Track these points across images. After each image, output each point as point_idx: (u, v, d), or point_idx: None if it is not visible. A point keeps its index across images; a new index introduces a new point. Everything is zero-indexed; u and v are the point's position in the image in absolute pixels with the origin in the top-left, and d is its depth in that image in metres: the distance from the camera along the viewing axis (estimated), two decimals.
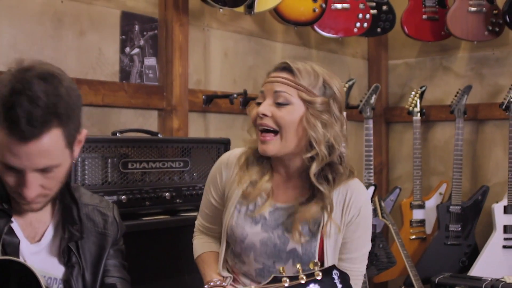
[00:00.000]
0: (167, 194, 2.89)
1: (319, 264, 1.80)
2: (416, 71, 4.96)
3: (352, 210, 2.11)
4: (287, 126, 2.03)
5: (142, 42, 3.47)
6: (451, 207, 4.29)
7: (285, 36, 4.34)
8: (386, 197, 4.37)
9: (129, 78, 3.41)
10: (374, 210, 4.11)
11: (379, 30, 4.42)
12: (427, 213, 4.46)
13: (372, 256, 4.14)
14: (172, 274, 2.85)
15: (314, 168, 2.05)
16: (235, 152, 2.27)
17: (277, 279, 1.79)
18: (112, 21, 3.35)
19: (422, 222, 4.46)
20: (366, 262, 2.21)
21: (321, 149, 2.03)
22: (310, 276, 1.78)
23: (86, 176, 2.65)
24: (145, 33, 3.48)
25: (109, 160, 2.73)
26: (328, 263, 2.07)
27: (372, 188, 4.04)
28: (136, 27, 3.44)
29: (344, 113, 2.15)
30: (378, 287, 4.77)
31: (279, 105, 2.04)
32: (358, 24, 4.27)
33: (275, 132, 2.05)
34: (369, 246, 2.21)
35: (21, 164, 1.63)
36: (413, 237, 4.44)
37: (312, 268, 1.79)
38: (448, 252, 4.27)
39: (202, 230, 2.39)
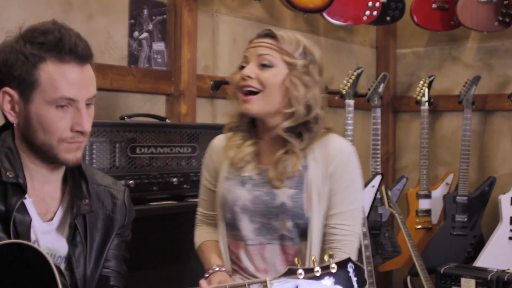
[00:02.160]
0: (174, 179, 2.88)
1: (334, 256, 1.79)
2: (425, 60, 4.94)
3: (336, 160, 2.18)
4: (271, 87, 2.13)
5: (150, 27, 3.45)
6: (457, 197, 4.27)
7: (294, 23, 4.32)
8: (393, 186, 4.36)
9: (138, 63, 3.39)
10: (381, 199, 4.10)
11: (388, 18, 4.39)
12: (433, 203, 4.45)
13: (377, 245, 4.13)
14: (178, 259, 2.85)
15: (286, 123, 2.15)
16: (221, 136, 2.38)
17: (292, 271, 1.79)
18: (121, 5, 3.33)
19: (428, 212, 4.45)
20: (357, 222, 2.23)
21: (299, 108, 2.13)
22: (325, 269, 1.78)
23: (94, 160, 2.63)
24: (154, 17, 3.46)
25: (117, 145, 2.72)
26: (312, 215, 2.14)
27: (379, 177, 4.02)
28: (145, 12, 3.42)
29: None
30: (383, 276, 4.77)
31: (263, 66, 2.14)
32: (367, 12, 4.24)
33: (258, 93, 2.14)
34: (358, 203, 2.24)
35: (78, 92, 1.74)
36: (419, 226, 4.43)
37: (327, 260, 1.79)
38: (453, 243, 4.26)
39: (202, 219, 2.43)
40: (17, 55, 1.72)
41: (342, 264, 1.80)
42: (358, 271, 1.82)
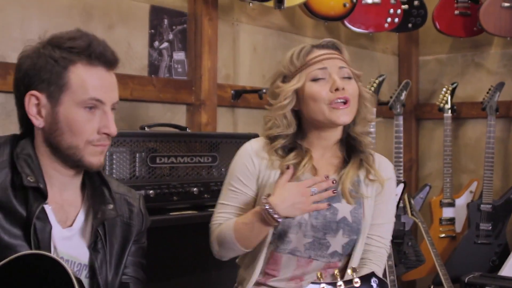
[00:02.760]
0: (195, 189, 2.87)
1: (357, 270, 1.77)
2: (448, 67, 4.89)
3: (383, 174, 2.26)
4: (356, 97, 2.20)
5: (171, 36, 3.45)
6: (481, 205, 4.22)
7: (315, 31, 4.30)
8: (416, 194, 4.31)
9: (158, 73, 3.39)
10: (404, 208, 4.06)
11: (410, 25, 4.36)
12: (457, 211, 4.40)
13: (400, 254, 4.09)
14: (199, 269, 2.84)
15: (359, 128, 2.24)
16: (258, 141, 2.30)
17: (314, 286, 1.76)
18: (141, 15, 3.34)
19: (452, 221, 4.40)
20: (389, 236, 2.33)
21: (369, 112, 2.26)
22: (349, 283, 1.74)
23: (114, 171, 2.63)
24: (174, 27, 3.46)
25: (137, 155, 2.72)
26: (364, 229, 2.19)
27: (401, 186, 3.96)
28: (165, 21, 3.42)
29: None
30: (406, 286, 4.72)
31: (345, 79, 2.18)
32: (389, 20, 4.21)
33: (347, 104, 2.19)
34: (393, 218, 2.33)
35: (106, 95, 1.79)
36: (443, 235, 4.38)
37: (350, 274, 1.76)
38: (478, 251, 4.21)
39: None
40: (46, 59, 1.75)
41: (365, 279, 1.76)
42: (382, 285, 1.79)
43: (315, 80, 2.18)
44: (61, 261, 1.64)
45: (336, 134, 2.24)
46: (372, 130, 3.96)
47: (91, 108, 1.77)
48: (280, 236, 2.18)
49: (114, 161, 2.64)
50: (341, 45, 2.25)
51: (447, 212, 4.39)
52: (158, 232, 2.71)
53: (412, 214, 4.02)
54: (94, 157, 1.80)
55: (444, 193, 4.39)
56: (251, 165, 2.25)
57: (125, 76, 3.19)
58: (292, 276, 2.19)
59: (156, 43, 3.39)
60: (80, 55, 1.76)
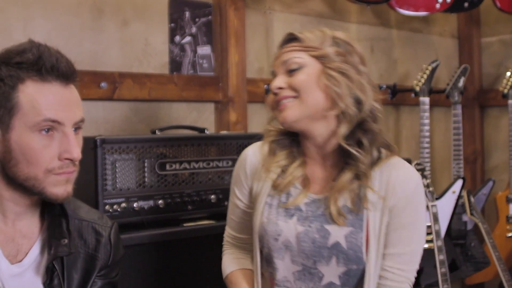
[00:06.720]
0: (212, 196, 2.62)
1: None
2: None
3: (399, 192, 1.81)
4: (307, 88, 1.81)
5: (194, 30, 3.20)
6: None
7: (360, 16, 3.96)
8: (478, 190, 3.93)
9: (181, 69, 3.15)
10: (462, 206, 3.70)
11: (466, 5, 3.97)
12: None
13: (464, 255, 3.73)
14: (218, 285, 2.58)
15: (342, 129, 1.80)
16: (256, 146, 2.01)
17: None
18: (159, 8, 3.09)
19: None
20: (414, 266, 1.86)
21: (347, 104, 1.78)
22: None
23: (117, 180, 2.41)
24: (197, 19, 3.20)
25: (146, 161, 2.49)
26: (370, 259, 1.79)
27: (460, 182, 3.61)
28: (187, 14, 3.17)
29: None
30: None
31: (291, 72, 1.83)
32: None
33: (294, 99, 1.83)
34: (419, 243, 1.86)
35: (63, 114, 1.56)
36: (510, 234, 3.99)
37: None
38: None
39: (231, 241, 2.11)
40: None
41: None
42: None
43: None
44: None
45: (321, 136, 1.85)
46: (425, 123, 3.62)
47: (48, 131, 1.55)
48: (267, 261, 1.90)
49: (118, 170, 2.41)
50: (296, 34, 1.86)
51: None
52: (171, 246, 2.50)
53: (471, 214, 3.65)
54: (58, 188, 1.58)
55: (511, 188, 3.99)
56: (244, 175, 1.99)
57: (142, 75, 2.97)
58: None
59: (178, 38, 3.14)
60: (29, 70, 1.54)
